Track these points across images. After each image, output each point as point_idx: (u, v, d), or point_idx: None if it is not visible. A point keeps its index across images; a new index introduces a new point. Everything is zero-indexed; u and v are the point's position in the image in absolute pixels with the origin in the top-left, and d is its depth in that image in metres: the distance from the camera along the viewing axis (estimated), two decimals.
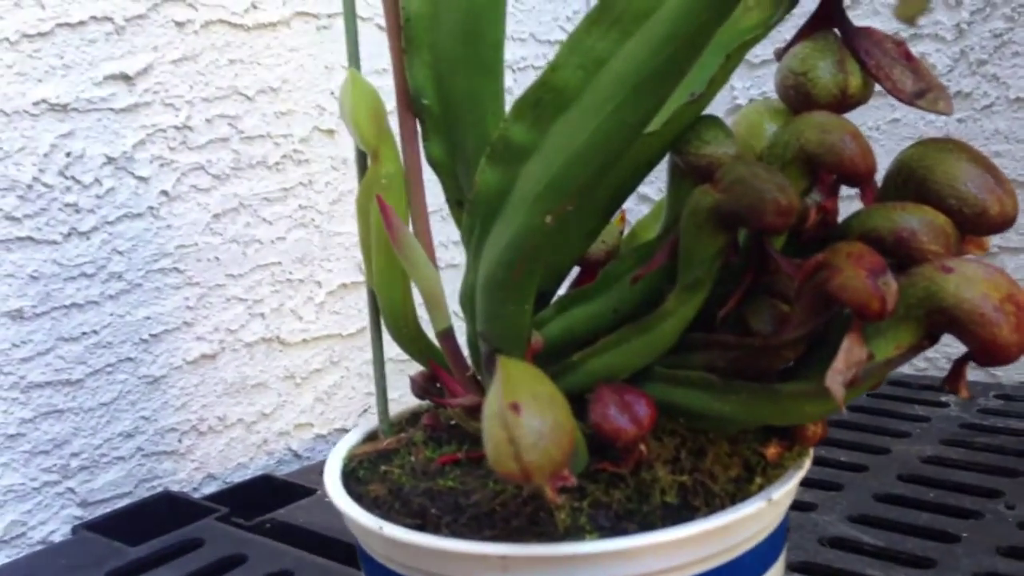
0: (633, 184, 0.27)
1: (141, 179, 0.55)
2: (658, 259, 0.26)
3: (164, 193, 0.56)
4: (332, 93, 0.65)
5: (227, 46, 0.59)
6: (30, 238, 0.50)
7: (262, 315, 0.62)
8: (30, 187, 0.50)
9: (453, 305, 0.29)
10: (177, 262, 0.57)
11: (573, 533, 0.25)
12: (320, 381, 0.66)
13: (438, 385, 0.31)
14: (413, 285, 0.29)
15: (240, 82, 0.59)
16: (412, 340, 0.30)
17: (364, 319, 0.68)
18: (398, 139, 0.29)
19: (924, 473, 0.52)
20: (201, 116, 0.57)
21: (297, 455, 0.65)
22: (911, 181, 0.26)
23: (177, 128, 0.56)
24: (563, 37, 0.85)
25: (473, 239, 0.25)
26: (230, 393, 0.60)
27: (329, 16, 0.64)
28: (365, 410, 0.69)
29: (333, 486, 0.28)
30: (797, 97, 0.27)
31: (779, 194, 0.24)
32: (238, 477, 0.61)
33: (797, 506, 0.49)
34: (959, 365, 0.25)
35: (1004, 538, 0.44)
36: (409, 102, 0.28)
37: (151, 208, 0.55)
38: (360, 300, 0.67)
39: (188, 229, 0.57)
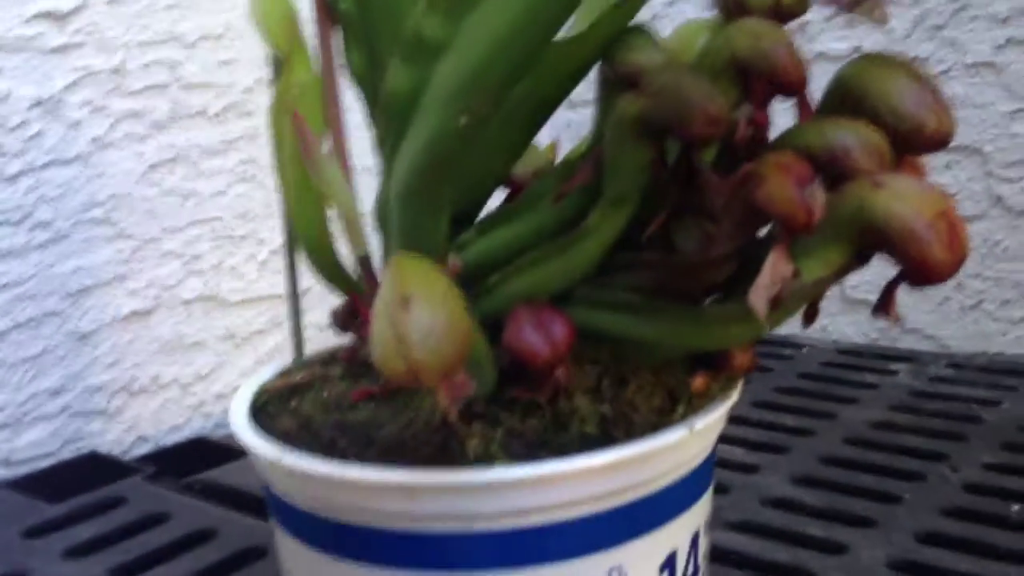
0: (558, 96, 0.26)
1: (72, 124, 0.53)
2: (582, 175, 0.25)
3: (96, 140, 0.54)
4: None
5: None
6: None
7: (200, 272, 0.60)
8: None
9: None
10: (110, 211, 0.55)
11: (484, 461, 0.23)
12: (262, 343, 0.64)
13: (357, 320, 0.30)
14: (330, 209, 0.27)
15: (180, 28, 0.57)
16: (329, 267, 0.28)
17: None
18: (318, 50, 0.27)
19: (870, 437, 0.51)
20: (137, 61, 0.55)
21: None
22: (848, 98, 0.25)
23: (111, 72, 0.54)
24: None
25: (387, 147, 0.24)
26: (165, 352, 0.58)
27: None
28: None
29: (238, 419, 0.27)
30: (733, 7, 0.26)
31: (707, 102, 0.23)
32: (172, 440, 0.59)
33: (740, 468, 0.48)
34: (891, 286, 0.24)
35: (947, 499, 0.43)
36: (326, 7, 0.27)
37: (81, 155, 0.53)
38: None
39: (122, 179, 0.55)
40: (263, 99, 0.62)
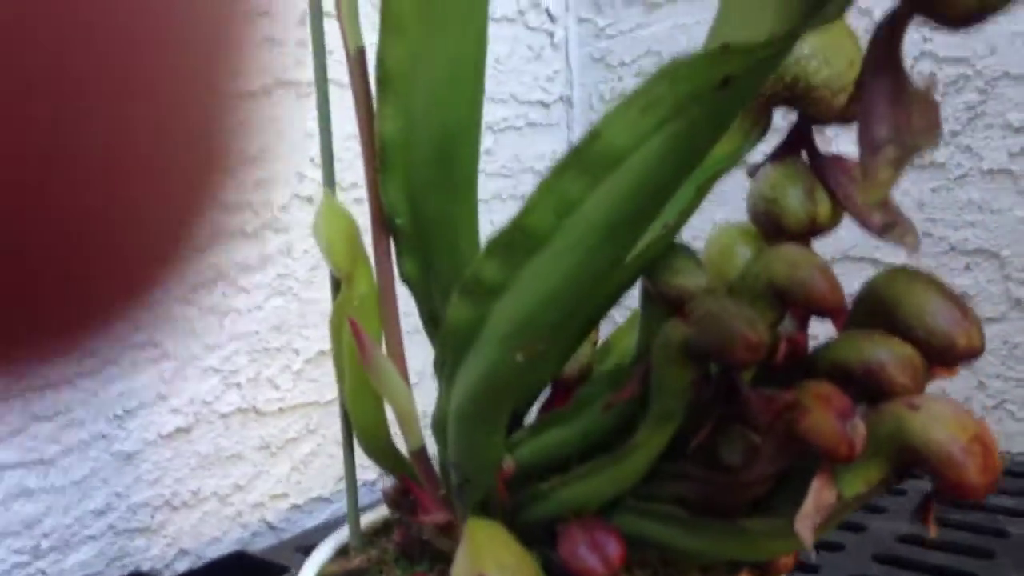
0: (605, 310, 0.27)
1: None
2: (630, 388, 0.26)
3: None
4: (312, 160, 0.65)
5: None
6: None
7: (238, 385, 0.61)
8: None
9: (428, 420, 0.29)
10: (154, 334, 0.56)
11: None
12: (296, 450, 0.65)
13: (410, 498, 0.31)
14: (386, 403, 0.29)
15: None
16: (385, 456, 0.30)
17: (332, 391, 0.68)
18: (372, 256, 0.29)
19: (899, 553, 0.52)
20: None
21: (272, 527, 0.64)
22: (880, 309, 0.26)
23: None
24: (543, 97, 0.86)
25: (445, 371, 0.25)
26: (204, 466, 0.60)
27: (309, 84, 0.65)
28: (342, 477, 0.68)
29: None
30: (768, 222, 0.28)
31: (748, 330, 0.24)
32: (212, 552, 0.60)
33: None
34: (927, 501, 0.25)
35: None
36: (384, 221, 0.28)
37: None
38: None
39: (164, 301, 0.57)
40: (297, 215, 0.64)
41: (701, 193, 0.25)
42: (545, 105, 0.86)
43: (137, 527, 0.56)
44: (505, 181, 0.83)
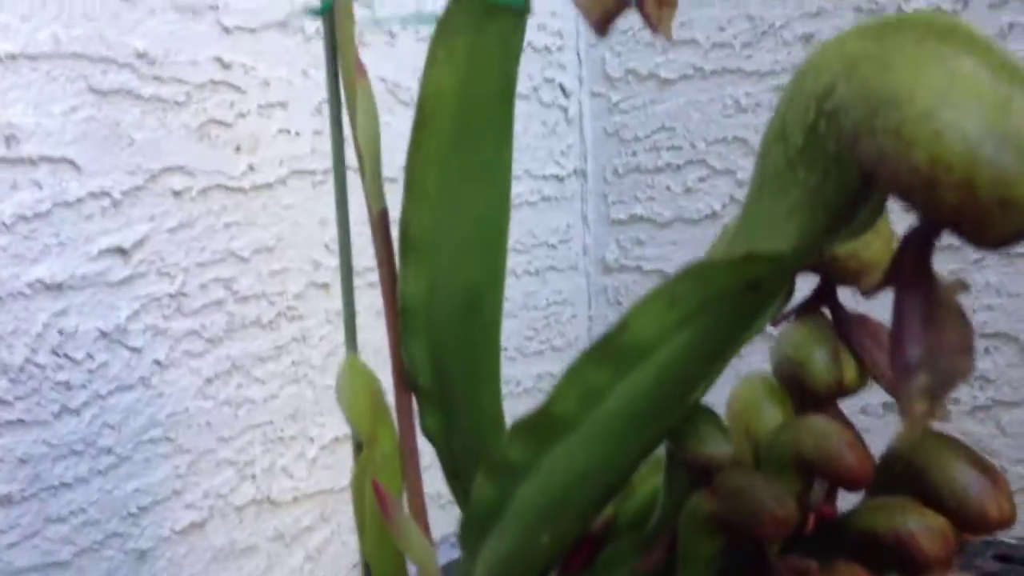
0: (630, 474, 0.27)
1: (134, 350, 0.55)
2: (656, 556, 0.26)
3: (156, 362, 0.56)
4: (327, 246, 0.66)
5: (223, 210, 0.59)
6: (20, 420, 0.50)
7: (253, 476, 0.61)
8: (22, 369, 0.50)
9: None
10: (168, 431, 0.56)
11: None
12: (310, 539, 0.65)
13: None
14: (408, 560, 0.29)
15: (236, 244, 0.60)
16: None
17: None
18: (394, 412, 0.29)
19: None
20: (196, 281, 0.57)
21: None
22: (908, 473, 0.26)
23: (171, 296, 0.56)
24: (557, 171, 0.86)
25: (469, 544, 0.25)
26: (219, 560, 0.59)
27: (324, 172, 0.65)
28: (355, 564, 0.68)
29: None
30: (793, 384, 0.28)
31: (776, 507, 0.24)
32: None
33: None
34: None
35: None
36: (406, 379, 0.28)
37: (143, 378, 0.55)
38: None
39: (180, 396, 0.57)
40: (312, 303, 0.64)
41: (725, 362, 0.25)
42: (559, 179, 0.86)
43: None
44: (520, 256, 0.83)
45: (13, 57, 0.49)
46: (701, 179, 0.83)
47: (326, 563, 0.66)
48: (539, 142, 0.84)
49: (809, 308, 0.28)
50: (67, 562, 0.52)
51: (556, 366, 0.87)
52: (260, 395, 0.61)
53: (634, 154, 0.86)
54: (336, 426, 0.66)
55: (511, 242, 0.82)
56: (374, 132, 0.27)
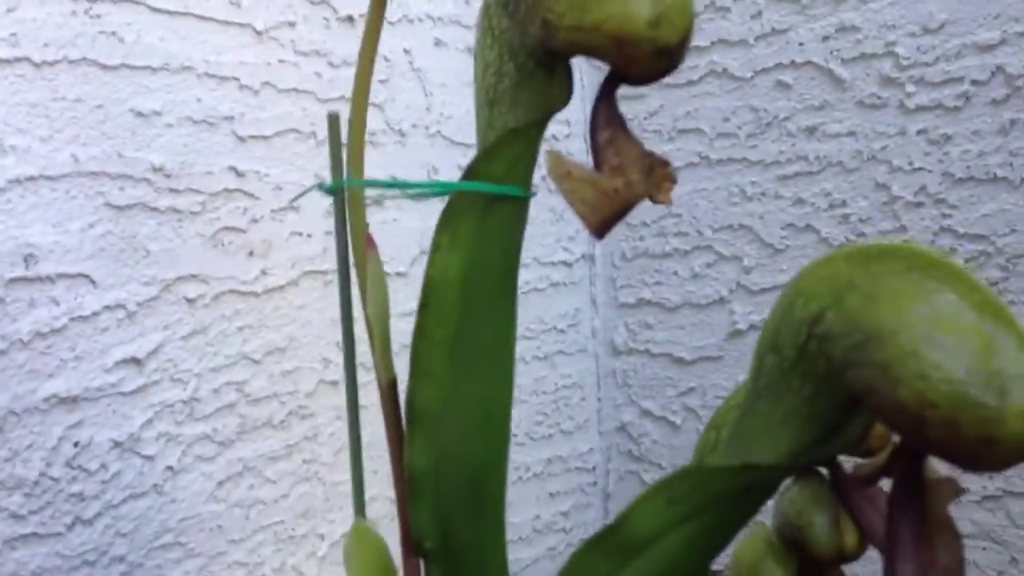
0: None
1: (147, 458, 0.55)
2: None
3: (169, 468, 0.56)
4: (337, 344, 0.66)
5: (236, 314, 0.60)
6: (34, 534, 0.50)
7: None
8: (36, 483, 0.51)
9: None
10: (179, 536, 0.57)
11: None
12: None
13: None
14: None
15: (248, 347, 0.60)
16: None
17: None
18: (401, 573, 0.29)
19: None
20: (209, 386, 0.58)
21: None
22: None
23: (184, 402, 0.57)
24: (566, 257, 0.87)
25: None
26: None
27: (334, 271, 0.66)
28: None
29: None
30: (796, 546, 0.28)
31: None
32: None
33: None
34: None
35: None
36: (413, 544, 0.29)
37: (155, 485, 0.56)
38: None
39: (192, 500, 0.57)
40: (322, 400, 0.65)
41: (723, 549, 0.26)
42: (568, 264, 0.87)
43: None
44: (529, 343, 0.83)
45: (33, 179, 0.50)
46: (708, 264, 0.83)
47: None
48: (548, 228, 0.85)
49: (809, 470, 0.28)
50: None
51: (565, 449, 0.87)
52: (271, 495, 0.62)
53: (642, 239, 0.87)
54: (346, 522, 0.66)
55: (521, 329, 0.83)
56: (384, 305, 0.28)
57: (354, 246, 0.28)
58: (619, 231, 0.88)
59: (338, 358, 0.66)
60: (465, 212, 0.26)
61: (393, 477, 0.29)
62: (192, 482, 0.58)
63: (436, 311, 0.26)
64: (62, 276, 0.52)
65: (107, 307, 0.54)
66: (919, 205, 0.71)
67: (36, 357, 0.51)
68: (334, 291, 0.68)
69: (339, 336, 0.68)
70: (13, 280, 0.50)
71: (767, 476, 0.20)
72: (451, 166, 0.75)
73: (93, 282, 0.53)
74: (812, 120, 0.76)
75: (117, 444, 0.54)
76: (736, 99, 0.80)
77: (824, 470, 0.29)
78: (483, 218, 0.26)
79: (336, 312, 0.66)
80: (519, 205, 0.26)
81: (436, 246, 0.26)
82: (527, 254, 0.82)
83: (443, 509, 0.28)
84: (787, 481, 0.29)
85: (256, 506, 0.61)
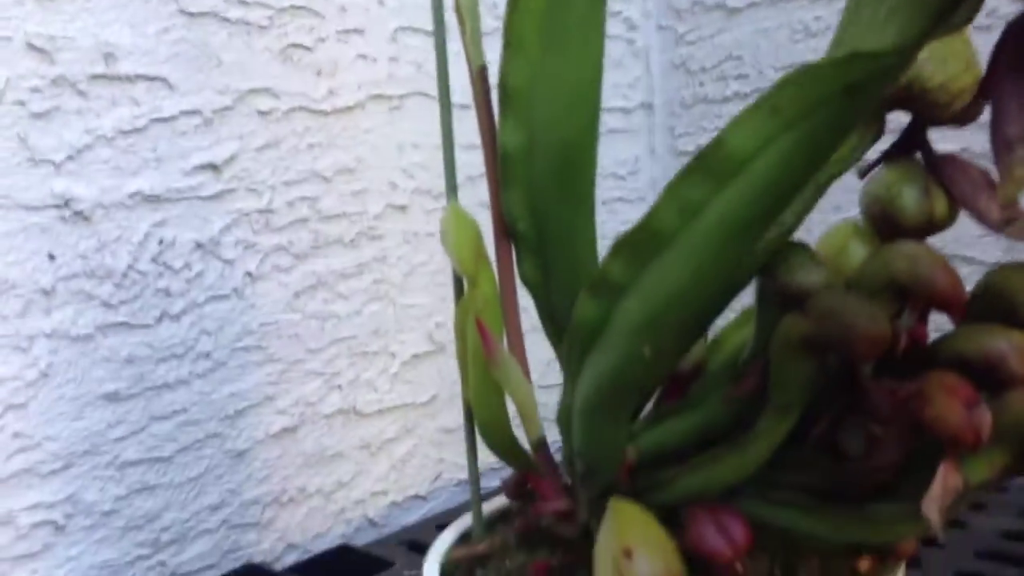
0: (723, 307, 0.28)
1: (227, 262, 0.57)
2: (750, 381, 0.27)
3: (248, 274, 0.58)
4: (404, 171, 0.67)
5: (307, 131, 0.61)
6: (125, 323, 0.53)
7: (339, 387, 0.64)
8: (125, 275, 0.53)
9: (544, 413, 0.31)
10: (260, 340, 0.59)
11: None
12: (394, 449, 0.67)
13: (529, 488, 0.33)
14: (508, 399, 0.30)
15: (319, 164, 0.62)
16: (506, 449, 0.31)
17: (435, 388, 0.70)
18: (494, 261, 0.30)
19: (1004, 549, 0.52)
20: (282, 199, 0.60)
21: (373, 523, 0.66)
22: (998, 303, 0.27)
23: (260, 212, 0.59)
24: (624, 104, 0.87)
25: (571, 365, 0.27)
26: (310, 464, 0.62)
27: (400, 97, 0.67)
28: (437, 476, 0.70)
29: None
30: (884, 222, 0.28)
31: (871, 325, 0.25)
32: (317, 546, 0.62)
33: None
34: None
35: None
36: (505, 228, 0.30)
37: (236, 289, 0.58)
38: (432, 369, 0.69)
39: (270, 307, 0.59)
40: (390, 224, 0.66)
41: (819, 193, 0.26)
42: (626, 112, 0.87)
43: (249, 522, 0.59)
44: None
45: None
46: None
47: (410, 473, 0.68)
48: (606, 75, 0.84)
49: (899, 151, 0.29)
50: (170, 458, 0.55)
51: None
52: (344, 310, 0.64)
53: (701, 85, 0.87)
54: (416, 343, 0.68)
55: None
56: None
57: None
58: (678, 78, 0.88)
59: (405, 183, 0.67)
60: None
61: (485, 162, 0.29)
62: (270, 290, 0.59)
63: None
64: (140, 77, 0.53)
65: (184, 112, 0.55)
66: None
67: (120, 155, 0.52)
68: (401, 116, 0.69)
69: (406, 162, 0.69)
70: (95, 77, 0.51)
71: (873, 68, 0.21)
72: None
73: (170, 86, 0.54)
74: None
75: (199, 245, 0.56)
76: None
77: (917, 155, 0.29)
78: None
79: (403, 137, 0.67)
80: None
81: None
82: None
83: (535, 191, 0.29)
84: (877, 168, 0.30)
85: (331, 320, 0.63)
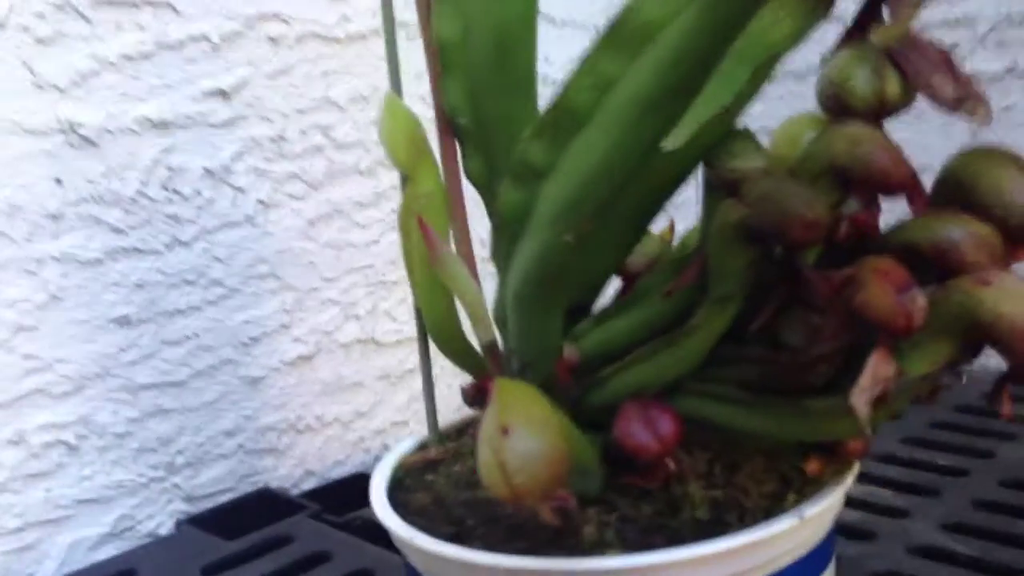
0: (664, 198, 0.27)
1: (238, 189, 0.57)
2: (689, 274, 0.26)
3: (261, 202, 0.59)
4: (423, 99, 0.66)
5: (319, 58, 0.61)
6: (135, 248, 0.54)
7: (357, 317, 0.64)
8: (134, 200, 0.53)
9: None
10: (275, 268, 0.59)
11: (598, 548, 0.25)
12: (414, 380, 0.67)
13: (487, 396, 0.32)
14: (457, 301, 0.30)
15: (333, 92, 0.61)
16: (458, 353, 0.31)
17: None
18: (440, 160, 0.29)
19: None
20: (295, 127, 0.60)
21: None
22: (958, 191, 0.25)
23: (272, 139, 0.59)
24: None
25: (501, 257, 0.26)
26: (327, 393, 0.63)
27: (416, 24, 0.66)
28: (458, 408, 0.70)
29: (377, 496, 0.29)
30: (836, 106, 0.27)
31: (805, 209, 0.23)
32: (336, 474, 0.63)
33: (887, 512, 0.47)
34: (1000, 383, 0.24)
35: None
36: (447, 121, 0.29)
37: (248, 216, 0.58)
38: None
39: (284, 235, 0.60)
40: None
41: (759, 75, 0.25)
42: None
43: (265, 448, 0.60)
44: None
45: None
46: None
47: None
48: None
49: (854, 34, 0.27)
50: (183, 382, 0.56)
51: None
52: (361, 239, 0.64)
53: None
54: None
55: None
56: None
57: None
58: None
59: (423, 111, 0.66)
60: None
61: (425, 55, 0.29)
62: (283, 217, 0.60)
63: None
64: (146, 3, 0.53)
65: (192, 37, 0.55)
66: None
67: (126, 80, 0.53)
68: (418, 44, 0.68)
69: (423, 90, 0.69)
70: (99, 2, 0.51)
71: None
72: None
73: (176, 11, 0.54)
74: None
75: (209, 172, 0.56)
76: None
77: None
78: None
79: (420, 65, 0.66)
80: None
81: None
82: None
83: (473, 81, 0.28)
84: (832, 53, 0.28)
85: (347, 248, 0.63)
